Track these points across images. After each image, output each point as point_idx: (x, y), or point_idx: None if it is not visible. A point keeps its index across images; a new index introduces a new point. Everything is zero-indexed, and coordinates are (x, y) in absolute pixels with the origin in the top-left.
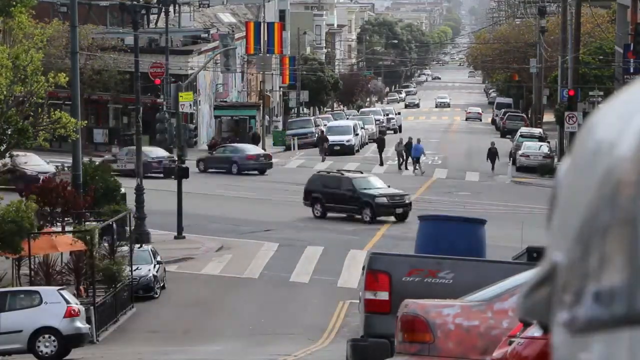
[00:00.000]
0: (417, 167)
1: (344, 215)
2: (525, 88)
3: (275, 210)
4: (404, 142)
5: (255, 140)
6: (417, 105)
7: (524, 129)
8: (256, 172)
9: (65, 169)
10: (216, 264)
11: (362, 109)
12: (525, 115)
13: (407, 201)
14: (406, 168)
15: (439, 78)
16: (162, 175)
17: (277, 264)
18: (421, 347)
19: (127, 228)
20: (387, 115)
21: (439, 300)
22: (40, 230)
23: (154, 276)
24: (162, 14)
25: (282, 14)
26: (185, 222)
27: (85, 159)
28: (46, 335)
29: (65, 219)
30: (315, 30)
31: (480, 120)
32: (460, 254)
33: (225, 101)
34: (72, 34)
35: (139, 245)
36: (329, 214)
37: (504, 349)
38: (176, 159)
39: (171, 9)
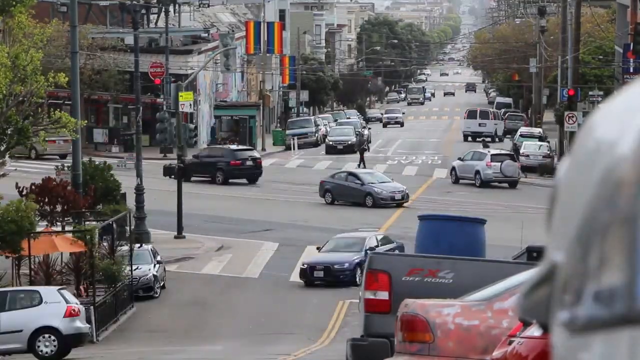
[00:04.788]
0: None
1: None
2: (525, 88)
3: (275, 210)
4: None
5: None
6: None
7: (523, 129)
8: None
9: (65, 168)
10: (216, 263)
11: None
12: (525, 115)
13: None
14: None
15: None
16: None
17: (277, 264)
18: (421, 347)
19: (127, 228)
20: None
21: (439, 300)
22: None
23: (154, 276)
24: (162, 14)
25: (282, 14)
26: (185, 222)
27: (85, 159)
28: (46, 335)
29: (65, 218)
30: (315, 30)
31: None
32: (460, 253)
33: (225, 101)
34: (72, 33)
35: (138, 245)
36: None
37: (504, 348)
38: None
39: (171, 8)
